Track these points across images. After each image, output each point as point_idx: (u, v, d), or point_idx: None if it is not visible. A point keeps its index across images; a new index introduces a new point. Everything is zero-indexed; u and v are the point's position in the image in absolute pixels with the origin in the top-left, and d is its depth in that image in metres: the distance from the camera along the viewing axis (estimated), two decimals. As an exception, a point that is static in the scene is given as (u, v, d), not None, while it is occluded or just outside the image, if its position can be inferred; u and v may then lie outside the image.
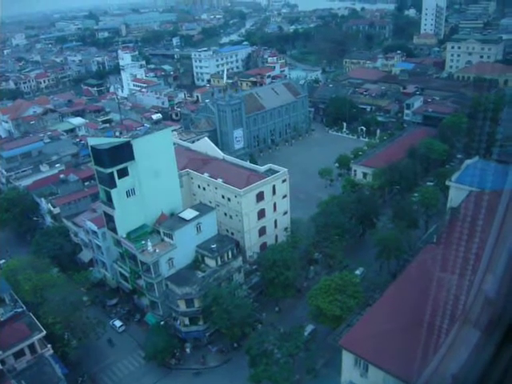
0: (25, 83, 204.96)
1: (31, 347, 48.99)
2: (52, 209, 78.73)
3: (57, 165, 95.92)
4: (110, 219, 60.98)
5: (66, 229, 74.85)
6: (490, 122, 78.90)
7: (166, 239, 59.15)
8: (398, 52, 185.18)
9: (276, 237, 71.63)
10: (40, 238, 71.05)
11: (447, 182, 66.90)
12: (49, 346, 50.47)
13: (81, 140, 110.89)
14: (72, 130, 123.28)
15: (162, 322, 59.11)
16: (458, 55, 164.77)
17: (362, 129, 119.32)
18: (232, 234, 68.70)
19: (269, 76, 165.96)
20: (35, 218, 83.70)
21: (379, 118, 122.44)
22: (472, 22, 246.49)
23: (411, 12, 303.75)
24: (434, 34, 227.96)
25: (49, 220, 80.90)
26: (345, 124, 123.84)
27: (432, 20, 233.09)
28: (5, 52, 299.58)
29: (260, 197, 67.97)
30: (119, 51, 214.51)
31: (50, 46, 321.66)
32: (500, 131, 77.10)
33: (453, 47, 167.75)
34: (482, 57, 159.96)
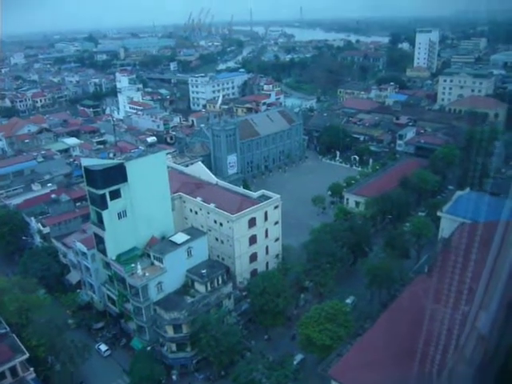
0: (21, 102, 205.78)
1: (12, 370, 47.75)
2: (42, 228, 77.95)
3: (49, 184, 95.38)
4: (100, 241, 60.40)
5: (54, 249, 73.92)
6: (480, 154, 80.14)
7: (156, 263, 58.56)
8: (392, 84, 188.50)
9: (267, 263, 71.20)
10: (28, 258, 70.04)
11: (439, 213, 67.34)
12: (31, 369, 49.26)
13: (74, 160, 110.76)
14: (66, 150, 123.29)
15: (148, 348, 57.99)
16: (450, 88, 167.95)
17: (355, 158, 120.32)
18: (223, 259, 68.19)
19: (264, 103, 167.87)
20: (24, 238, 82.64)
21: (372, 148, 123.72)
22: (464, 57, 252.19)
23: (404, 45, 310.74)
24: (427, 68, 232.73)
25: (38, 240, 79.96)
26: (338, 152, 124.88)
27: (425, 54, 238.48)
28: (3, 71, 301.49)
29: (252, 223, 67.79)
30: (117, 74, 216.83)
31: (48, 66, 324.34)
32: (490, 164, 78.18)
33: (445, 80, 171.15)
34: (473, 90, 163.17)
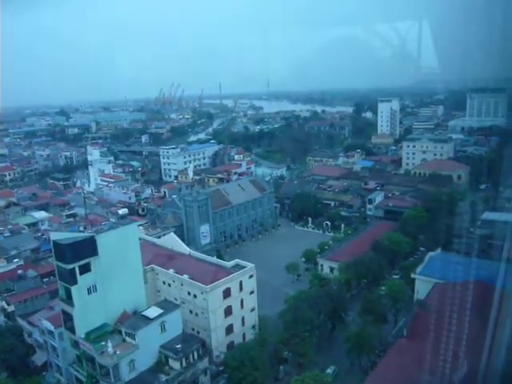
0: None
1: None
2: (6, 307, 74.31)
3: (15, 260, 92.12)
4: (68, 318, 57.78)
5: (19, 328, 70.09)
6: (448, 215, 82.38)
7: (128, 339, 56.11)
8: (358, 150, 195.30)
9: (244, 335, 69.17)
10: (-10, 340, 66.12)
11: (412, 275, 67.79)
12: None
13: (43, 234, 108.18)
14: (34, 224, 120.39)
15: (119, 434, 54.18)
16: (414, 153, 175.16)
17: (326, 223, 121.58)
18: (198, 332, 66.00)
19: (235, 173, 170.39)
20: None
21: (343, 213, 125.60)
22: (424, 124, 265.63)
23: (368, 114, 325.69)
24: (390, 134, 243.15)
25: (1, 319, 75.86)
26: (310, 219, 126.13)
27: (387, 121, 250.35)
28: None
29: (227, 293, 66.56)
30: (88, 147, 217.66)
31: (18, 140, 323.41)
32: (458, 224, 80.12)
33: (408, 146, 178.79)
34: (435, 154, 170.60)
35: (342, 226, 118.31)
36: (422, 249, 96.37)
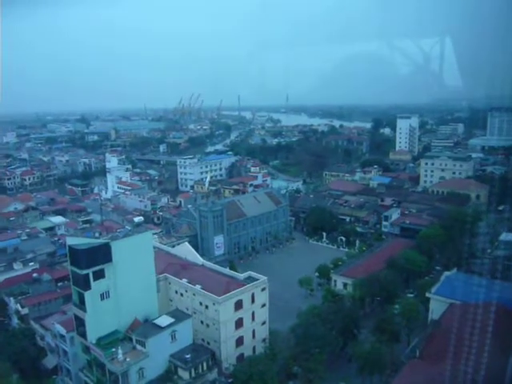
0: (9, 179, 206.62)
1: None
2: (20, 309, 75.04)
3: (31, 263, 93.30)
4: (80, 323, 58.08)
5: (32, 331, 70.71)
6: (465, 234, 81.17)
7: (138, 347, 56.12)
8: (375, 166, 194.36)
9: (254, 348, 68.64)
10: (3, 341, 66.64)
11: (427, 294, 66.72)
12: None
13: (59, 239, 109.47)
14: (51, 229, 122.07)
15: None
16: (432, 171, 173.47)
17: (341, 239, 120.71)
18: (208, 343, 65.70)
19: (251, 185, 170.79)
20: (1, 319, 79.40)
21: (358, 229, 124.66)
22: (443, 141, 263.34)
23: (386, 130, 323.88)
24: (409, 151, 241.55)
25: (15, 321, 76.70)
26: (324, 233, 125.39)
27: (406, 138, 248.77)
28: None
29: (238, 305, 66.27)
30: (107, 154, 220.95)
31: (39, 145, 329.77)
32: (476, 244, 78.92)
33: (427, 163, 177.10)
34: (454, 173, 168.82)
35: (357, 242, 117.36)
36: (437, 268, 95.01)
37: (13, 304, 77.23)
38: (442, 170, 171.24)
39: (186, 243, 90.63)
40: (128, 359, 54.08)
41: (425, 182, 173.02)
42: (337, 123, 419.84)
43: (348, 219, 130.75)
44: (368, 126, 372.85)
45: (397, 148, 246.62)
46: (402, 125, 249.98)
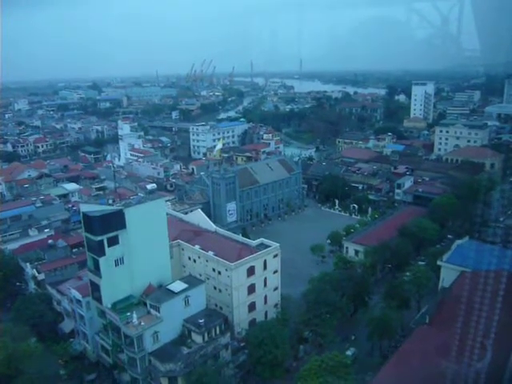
0: (22, 146, 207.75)
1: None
2: (37, 274, 76.83)
3: (46, 230, 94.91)
4: (95, 288, 59.45)
5: (48, 296, 72.50)
6: (478, 203, 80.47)
7: (153, 312, 57.36)
8: (389, 134, 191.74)
9: (266, 313, 69.82)
10: (21, 305, 68.44)
11: (438, 262, 66.82)
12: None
13: (73, 206, 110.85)
14: (65, 196, 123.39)
15: (141, 401, 55.85)
16: (446, 139, 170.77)
17: (354, 206, 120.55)
18: (221, 308, 66.90)
19: (264, 152, 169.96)
20: (18, 284, 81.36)
21: (371, 197, 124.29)
22: (459, 109, 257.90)
23: (401, 97, 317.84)
24: (423, 118, 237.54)
25: (32, 286, 78.65)
26: (337, 201, 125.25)
27: (421, 105, 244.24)
28: (6, 116, 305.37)
29: (251, 271, 67.01)
30: (119, 121, 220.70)
31: (51, 112, 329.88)
32: (488, 213, 78.29)
33: (441, 131, 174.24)
34: (469, 141, 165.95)
35: (369, 209, 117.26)
36: (449, 236, 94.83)
37: (29, 269, 78.99)
38: (457, 138, 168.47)
39: (199, 210, 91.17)
40: (142, 323, 55.39)
41: (439, 149, 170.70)
42: (351, 90, 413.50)
43: (361, 187, 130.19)
44: (382, 92, 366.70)
45: (411, 115, 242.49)
46: (418, 92, 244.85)
